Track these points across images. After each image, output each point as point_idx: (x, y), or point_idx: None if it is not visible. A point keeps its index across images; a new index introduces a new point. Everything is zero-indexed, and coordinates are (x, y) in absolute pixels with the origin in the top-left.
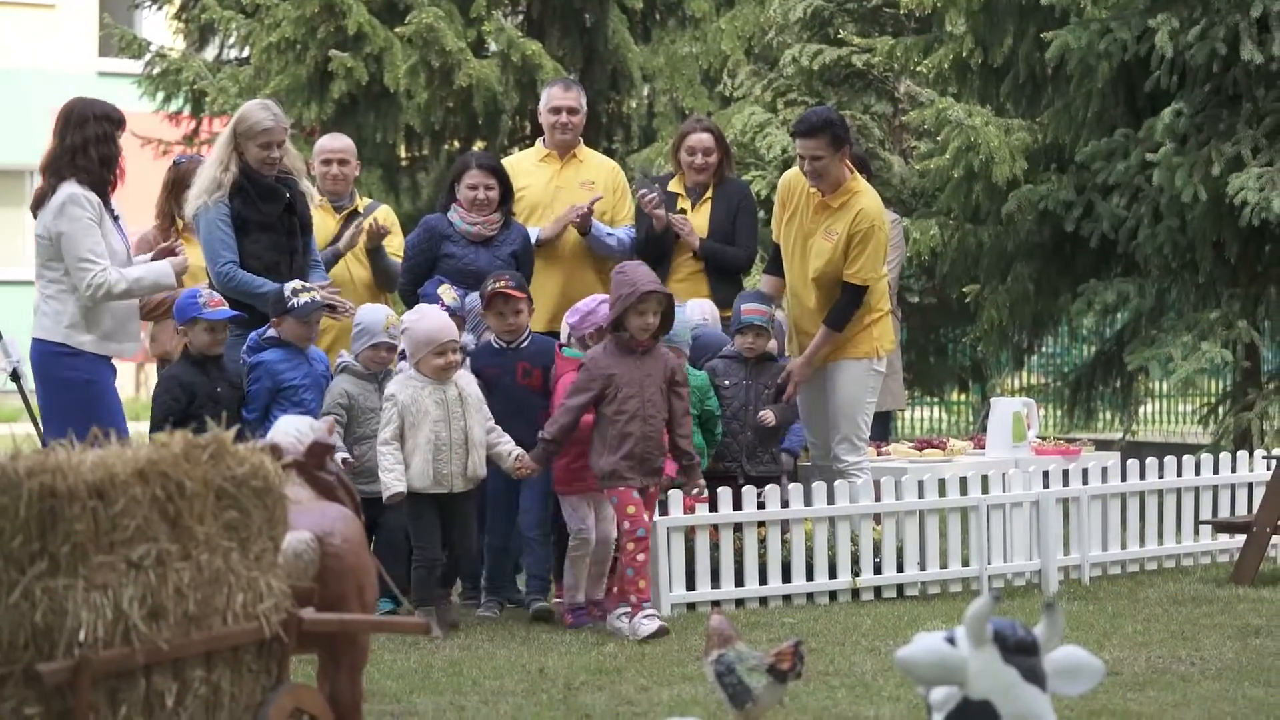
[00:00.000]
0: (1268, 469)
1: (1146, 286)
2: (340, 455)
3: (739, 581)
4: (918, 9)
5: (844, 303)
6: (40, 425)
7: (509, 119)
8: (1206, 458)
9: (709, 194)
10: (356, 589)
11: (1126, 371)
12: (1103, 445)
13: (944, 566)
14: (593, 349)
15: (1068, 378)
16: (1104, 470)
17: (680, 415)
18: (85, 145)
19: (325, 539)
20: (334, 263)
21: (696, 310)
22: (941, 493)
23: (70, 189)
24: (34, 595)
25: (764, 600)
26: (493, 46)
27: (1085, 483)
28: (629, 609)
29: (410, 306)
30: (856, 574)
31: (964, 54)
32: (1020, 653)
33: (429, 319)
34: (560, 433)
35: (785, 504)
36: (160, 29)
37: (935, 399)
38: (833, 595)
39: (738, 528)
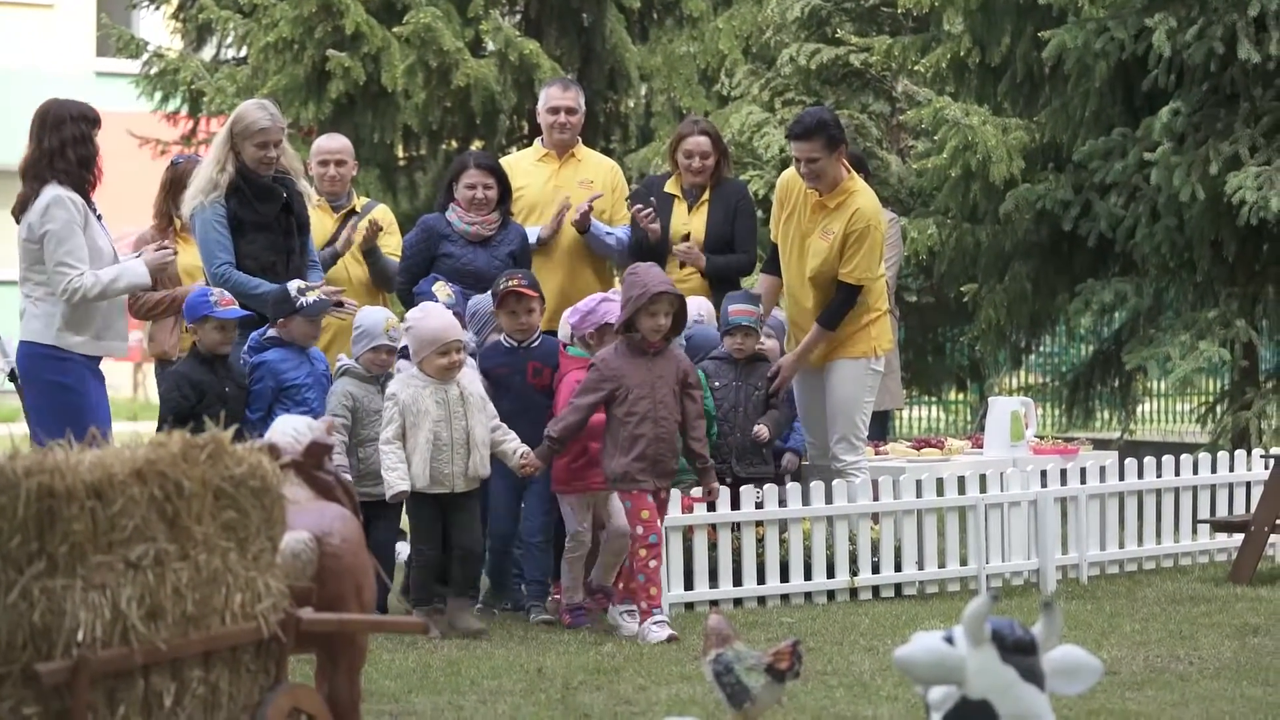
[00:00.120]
0: (1266, 468)
1: (1144, 286)
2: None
3: (737, 581)
4: (915, 8)
5: (838, 302)
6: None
7: (507, 118)
8: (1204, 457)
9: (706, 196)
10: (355, 589)
11: (1124, 371)
12: (1101, 444)
13: (942, 566)
14: (603, 350)
15: (1066, 377)
16: (1102, 469)
17: (693, 417)
18: (63, 147)
19: (323, 539)
20: (332, 263)
21: (692, 308)
22: (939, 492)
23: (53, 191)
24: (32, 595)
25: (762, 600)
26: (490, 46)
27: (1083, 482)
28: (632, 608)
29: (408, 306)
30: (854, 573)
31: (961, 53)
32: (1018, 652)
33: (434, 318)
34: (566, 432)
35: (783, 503)
36: (158, 29)
37: (933, 398)
38: (831, 595)
39: (736, 527)
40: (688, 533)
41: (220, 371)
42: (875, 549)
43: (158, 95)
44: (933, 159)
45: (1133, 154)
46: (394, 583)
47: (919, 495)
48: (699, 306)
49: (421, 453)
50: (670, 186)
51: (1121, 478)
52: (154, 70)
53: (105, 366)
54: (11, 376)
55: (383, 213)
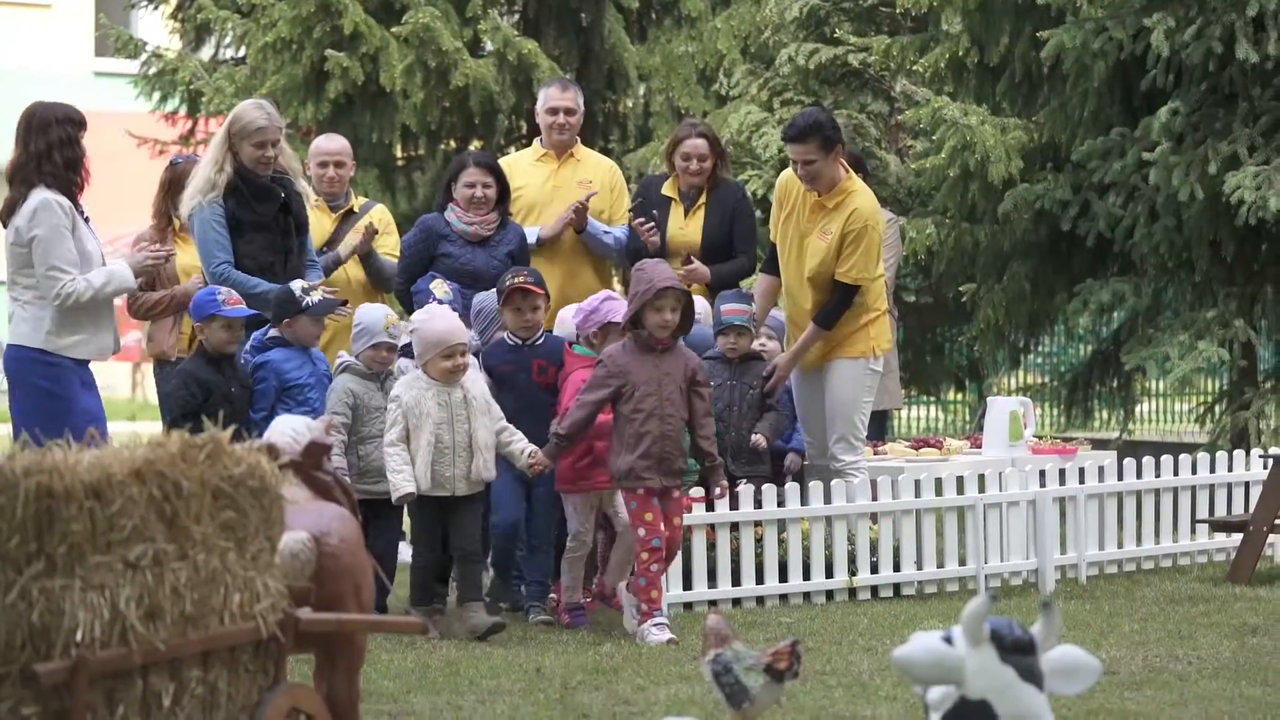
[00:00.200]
0: (1264, 468)
1: (1143, 286)
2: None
3: (736, 581)
4: (914, 8)
5: (835, 301)
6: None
7: (505, 118)
8: (1203, 457)
9: (702, 200)
10: (353, 589)
11: (1123, 371)
12: (1099, 444)
13: (941, 566)
14: (611, 346)
15: (1064, 377)
16: (1100, 469)
17: (701, 415)
18: (49, 150)
19: (322, 539)
20: (334, 268)
21: None
22: (938, 492)
23: (41, 195)
24: (31, 595)
25: (761, 600)
26: (489, 46)
27: (1082, 482)
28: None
29: (406, 306)
30: (853, 573)
31: (960, 53)
32: (1017, 652)
33: (439, 320)
34: (574, 428)
35: (782, 503)
36: (156, 29)
37: (932, 398)
38: (829, 595)
39: (734, 527)
40: (686, 533)
41: (226, 371)
42: (874, 549)
43: (156, 95)
44: (931, 159)
45: (1131, 154)
46: (394, 583)
47: (918, 495)
48: (695, 306)
49: (423, 455)
50: (667, 189)
51: (1120, 478)
52: (152, 70)
53: (105, 366)
54: None
55: (380, 212)
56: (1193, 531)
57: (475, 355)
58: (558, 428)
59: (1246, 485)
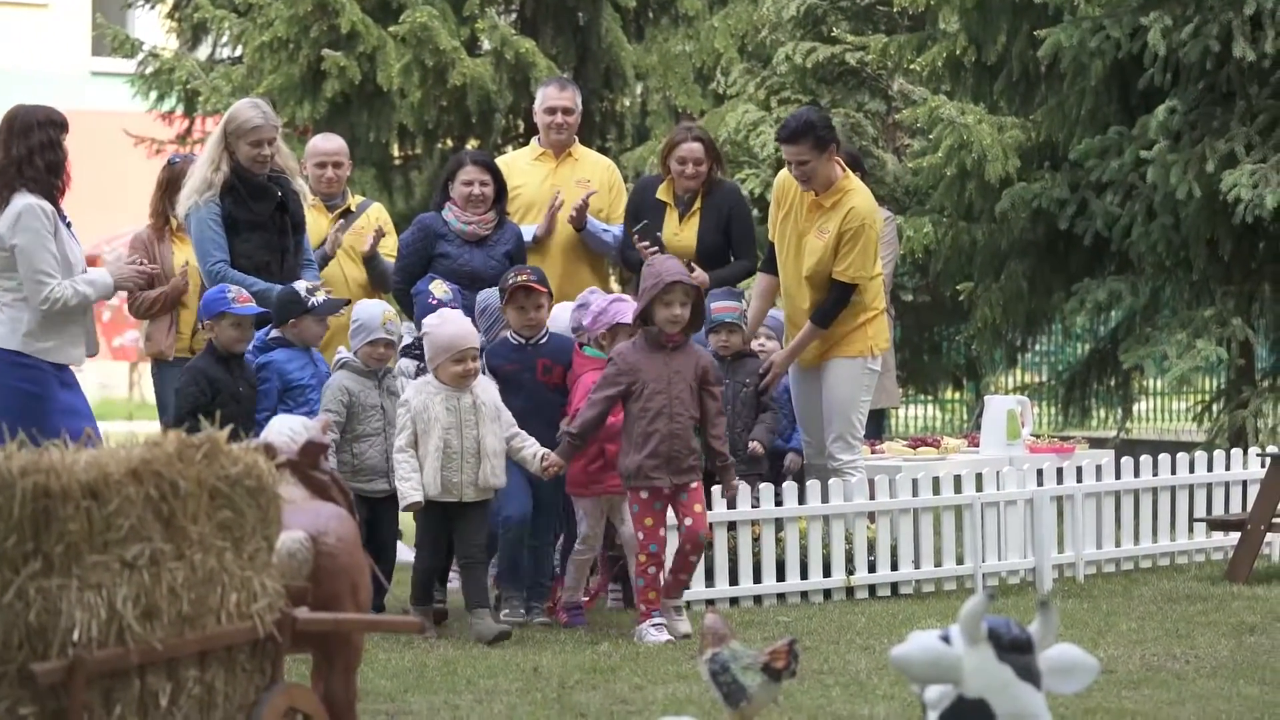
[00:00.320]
0: (1262, 466)
1: (1140, 284)
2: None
3: (733, 580)
4: (911, 7)
5: (832, 300)
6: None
7: (503, 117)
8: (1201, 455)
9: (698, 205)
10: (350, 588)
11: (1121, 369)
12: (1097, 443)
13: (938, 565)
14: (621, 344)
15: (1062, 376)
16: (1098, 468)
17: (713, 415)
18: (31, 155)
19: (319, 538)
20: (323, 266)
21: None
22: (936, 491)
23: (24, 200)
24: (28, 595)
25: (758, 599)
26: (486, 45)
27: (1079, 480)
28: (660, 621)
29: (404, 306)
30: (851, 572)
31: (957, 52)
32: (1015, 651)
33: (451, 325)
34: (585, 427)
35: (779, 502)
36: (153, 28)
37: (929, 397)
38: (827, 594)
39: (732, 526)
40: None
41: (235, 370)
42: (871, 548)
43: (153, 95)
44: (928, 158)
45: (1129, 152)
46: (391, 582)
47: (915, 494)
48: None
49: (431, 460)
50: (662, 193)
51: (1118, 476)
52: (149, 70)
53: (103, 366)
54: None
55: (378, 212)
56: (1190, 530)
57: (480, 352)
58: (569, 427)
59: (1244, 484)
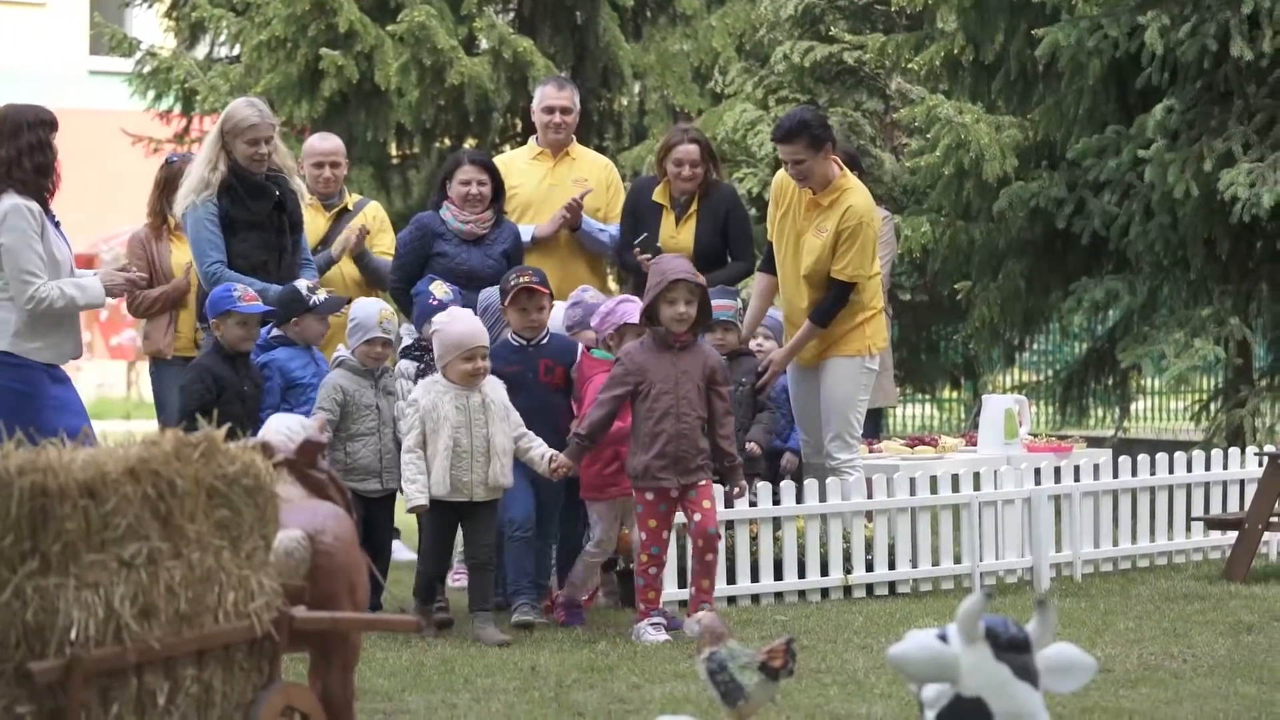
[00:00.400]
0: (1260, 466)
1: (1138, 283)
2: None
3: (731, 579)
4: (909, 6)
5: (830, 299)
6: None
7: (500, 116)
8: (1198, 454)
9: (694, 208)
10: (348, 587)
11: (1119, 368)
12: (1095, 442)
13: (936, 564)
14: (629, 344)
15: (1059, 375)
16: (1096, 467)
17: (721, 415)
18: (20, 156)
19: (316, 537)
20: (327, 268)
21: None
22: (933, 490)
23: (11, 201)
24: (25, 594)
25: (756, 598)
26: (484, 44)
27: (1077, 480)
28: (659, 620)
29: (402, 305)
30: (848, 571)
31: (955, 51)
32: (1012, 650)
33: (460, 323)
34: (594, 428)
35: (777, 501)
36: (151, 27)
37: (927, 396)
38: (825, 593)
39: (729, 525)
40: (682, 531)
41: (241, 369)
42: (869, 547)
43: (151, 94)
44: (926, 157)
45: (1126, 151)
46: (388, 580)
47: (913, 493)
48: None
49: (441, 459)
50: (658, 195)
51: (1115, 475)
52: (147, 69)
53: (101, 364)
54: None
55: (375, 210)
56: (1188, 529)
57: None
58: (578, 428)
59: (1242, 483)
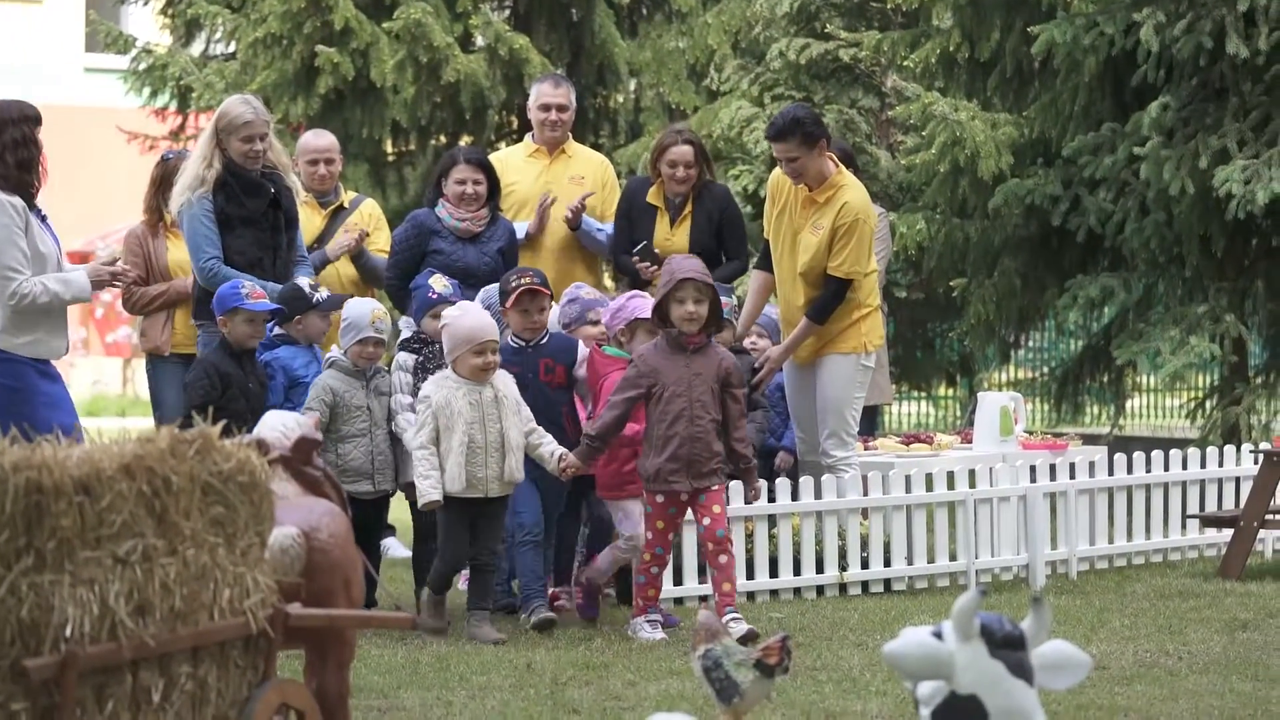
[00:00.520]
0: (1255, 463)
1: (1133, 281)
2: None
3: None
4: (905, 3)
5: (827, 295)
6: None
7: (496, 114)
8: (1194, 452)
9: (689, 209)
10: (343, 584)
11: (1114, 366)
12: (1090, 440)
13: (931, 561)
14: (643, 346)
15: (1055, 372)
16: (1091, 465)
17: (735, 417)
18: (3, 152)
19: (311, 534)
20: (323, 267)
21: None
22: (929, 487)
23: None
24: (20, 591)
25: (751, 595)
26: (480, 41)
27: (1072, 477)
28: (655, 618)
29: (398, 303)
30: (844, 569)
31: (951, 48)
32: (1007, 647)
33: (470, 317)
34: (605, 430)
35: (773, 499)
36: (146, 24)
37: (922, 394)
38: (820, 590)
39: None
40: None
41: (247, 366)
42: (864, 544)
43: (146, 90)
44: (922, 154)
45: (1122, 149)
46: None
47: (908, 490)
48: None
49: (455, 456)
50: (653, 197)
51: (1111, 473)
52: (142, 66)
53: (99, 362)
54: None
55: (370, 207)
56: (1183, 527)
57: None
58: (589, 430)
59: (1237, 480)
